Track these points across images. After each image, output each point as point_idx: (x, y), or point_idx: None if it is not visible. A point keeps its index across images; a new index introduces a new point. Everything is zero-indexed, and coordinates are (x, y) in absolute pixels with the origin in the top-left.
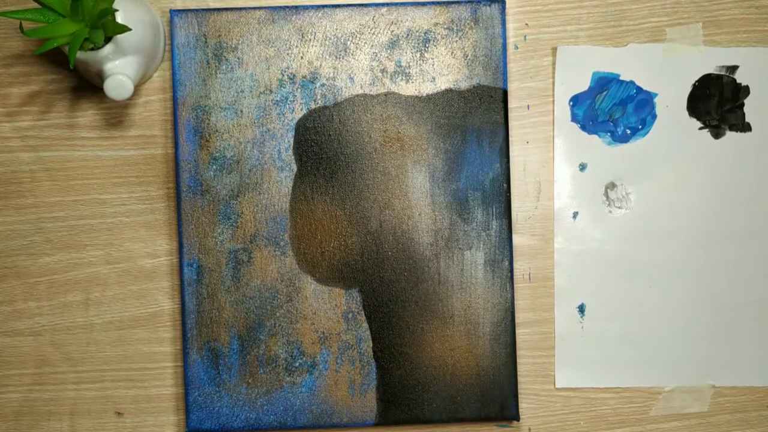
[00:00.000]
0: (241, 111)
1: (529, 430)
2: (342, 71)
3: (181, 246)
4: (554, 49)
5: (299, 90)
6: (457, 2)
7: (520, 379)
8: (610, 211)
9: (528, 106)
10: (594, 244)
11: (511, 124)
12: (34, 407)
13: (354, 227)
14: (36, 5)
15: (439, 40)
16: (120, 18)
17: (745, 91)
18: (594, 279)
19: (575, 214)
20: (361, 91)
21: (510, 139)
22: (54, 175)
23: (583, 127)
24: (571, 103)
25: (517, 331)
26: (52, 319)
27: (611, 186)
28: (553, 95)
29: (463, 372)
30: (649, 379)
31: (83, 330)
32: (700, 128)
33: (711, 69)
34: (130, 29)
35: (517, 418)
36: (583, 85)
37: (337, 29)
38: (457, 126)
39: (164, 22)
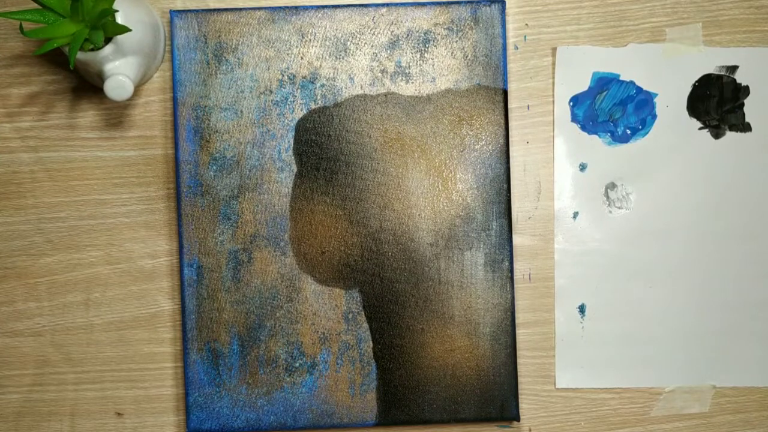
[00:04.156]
0: (241, 111)
1: (530, 430)
2: (342, 71)
3: (181, 246)
4: (554, 49)
5: (299, 90)
6: (457, 2)
7: (520, 379)
8: (611, 211)
9: (528, 106)
10: (594, 245)
11: (511, 124)
12: (34, 408)
13: (354, 227)
14: (36, 6)
15: (439, 41)
16: (120, 19)
17: (745, 91)
18: (594, 279)
19: (575, 214)
20: (361, 92)
21: (510, 139)
22: (54, 175)
23: (583, 127)
24: (571, 103)
25: (518, 332)
26: (53, 320)
27: (611, 186)
28: (553, 95)
29: (464, 372)
30: (650, 380)
31: (83, 330)
32: (700, 128)
33: (711, 69)
34: (130, 30)
35: (517, 418)
36: (583, 85)
37: (337, 29)
38: (457, 126)
39: (164, 22)
